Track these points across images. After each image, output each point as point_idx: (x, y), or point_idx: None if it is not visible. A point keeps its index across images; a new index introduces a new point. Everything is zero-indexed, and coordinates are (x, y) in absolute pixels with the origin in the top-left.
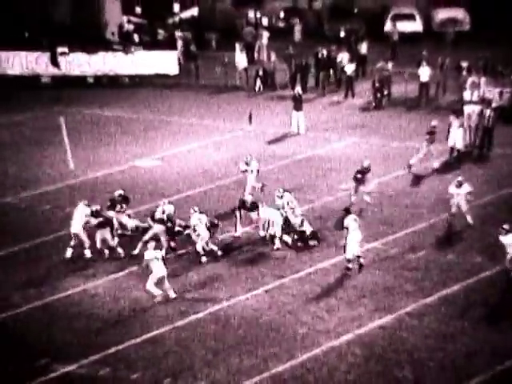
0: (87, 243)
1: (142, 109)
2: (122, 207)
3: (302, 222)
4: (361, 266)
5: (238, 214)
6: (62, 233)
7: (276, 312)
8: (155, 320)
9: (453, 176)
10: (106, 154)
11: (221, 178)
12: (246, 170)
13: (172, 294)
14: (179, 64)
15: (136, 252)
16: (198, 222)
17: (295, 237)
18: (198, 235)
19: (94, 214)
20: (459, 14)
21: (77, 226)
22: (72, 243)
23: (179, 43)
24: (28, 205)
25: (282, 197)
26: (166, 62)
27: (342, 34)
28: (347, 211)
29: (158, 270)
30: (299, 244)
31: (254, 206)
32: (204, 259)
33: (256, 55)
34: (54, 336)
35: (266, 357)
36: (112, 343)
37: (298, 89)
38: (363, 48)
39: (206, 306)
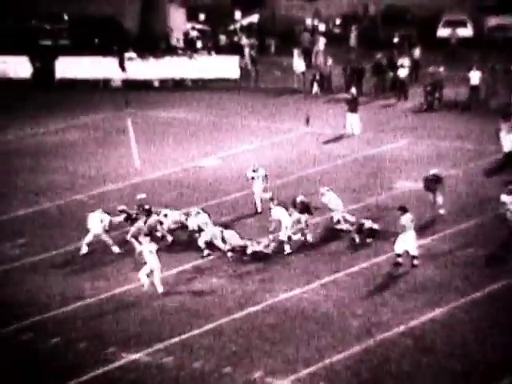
0: (110, 241)
1: (204, 111)
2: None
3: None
4: (414, 265)
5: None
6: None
7: (331, 305)
8: (216, 311)
9: (502, 177)
10: (170, 154)
11: (279, 178)
12: (253, 178)
13: (160, 289)
14: (245, 69)
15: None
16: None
17: (356, 235)
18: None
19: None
20: (509, 21)
21: (97, 229)
22: (88, 241)
23: (246, 50)
24: (95, 202)
25: (323, 194)
26: (227, 67)
27: (396, 40)
28: (403, 210)
29: (152, 262)
30: (359, 240)
31: (304, 208)
32: (269, 250)
33: (313, 60)
34: (121, 326)
35: (320, 347)
36: (175, 333)
37: (353, 91)
38: (416, 53)
39: (264, 299)
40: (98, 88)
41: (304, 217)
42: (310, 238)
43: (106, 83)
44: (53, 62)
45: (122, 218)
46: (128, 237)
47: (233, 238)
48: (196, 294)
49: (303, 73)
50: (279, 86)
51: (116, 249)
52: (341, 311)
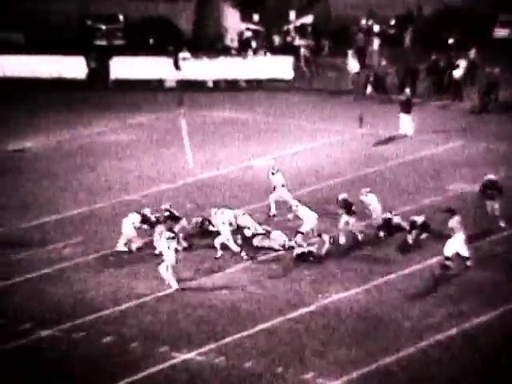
0: (140, 241)
1: (257, 111)
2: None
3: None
4: (467, 267)
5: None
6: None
7: (384, 306)
8: (268, 312)
9: None
10: (223, 154)
11: (332, 178)
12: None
13: (174, 285)
14: (299, 70)
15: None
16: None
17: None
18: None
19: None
20: None
21: (129, 231)
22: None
23: (300, 50)
24: (149, 201)
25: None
26: (281, 67)
27: (452, 40)
28: (452, 212)
29: (169, 258)
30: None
31: (346, 206)
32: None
33: (367, 60)
34: (173, 325)
35: (373, 349)
36: (228, 333)
37: (407, 91)
38: (472, 53)
39: (315, 300)
40: (153, 88)
41: (352, 218)
42: (360, 237)
43: (160, 83)
44: (108, 63)
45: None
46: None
47: (279, 238)
48: (248, 295)
49: (357, 73)
50: (333, 86)
51: (134, 246)
52: (393, 313)
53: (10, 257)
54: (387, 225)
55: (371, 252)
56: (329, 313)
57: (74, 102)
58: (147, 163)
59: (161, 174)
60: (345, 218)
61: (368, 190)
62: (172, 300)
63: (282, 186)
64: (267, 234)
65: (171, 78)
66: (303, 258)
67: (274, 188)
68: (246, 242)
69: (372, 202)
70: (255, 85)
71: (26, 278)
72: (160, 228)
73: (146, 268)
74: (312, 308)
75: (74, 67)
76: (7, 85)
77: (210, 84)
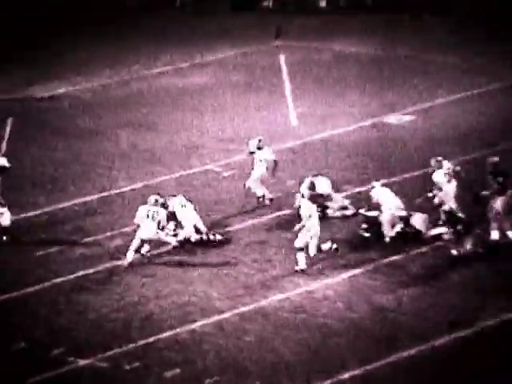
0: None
1: (390, 43)
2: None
3: None
4: None
5: None
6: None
7: None
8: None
9: None
10: (340, 106)
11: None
12: (253, 153)
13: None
14: None
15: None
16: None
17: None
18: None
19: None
20: None
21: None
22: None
23: None
24: (232, 174)
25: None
26: None
27: None
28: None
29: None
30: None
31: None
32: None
33: None
34: (267, 353)
35: None
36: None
37: None
38: None
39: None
40: (237, 9)
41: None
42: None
43: (251, 2)
44: None
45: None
46: None
47: (422, 223)
48: (378, 308)
49: None
50: None
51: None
52: None
53: (34, 253)
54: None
55: None
56: None
57: (125, 29)
58: (229, 118)
59: (249, 134)
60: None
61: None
62: (264, 316)
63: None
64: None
65: None
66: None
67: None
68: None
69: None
70: (389, 4)
71: (53, 284)
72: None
73: (228, 268)
74: None
75: None
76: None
77: (323, 3)
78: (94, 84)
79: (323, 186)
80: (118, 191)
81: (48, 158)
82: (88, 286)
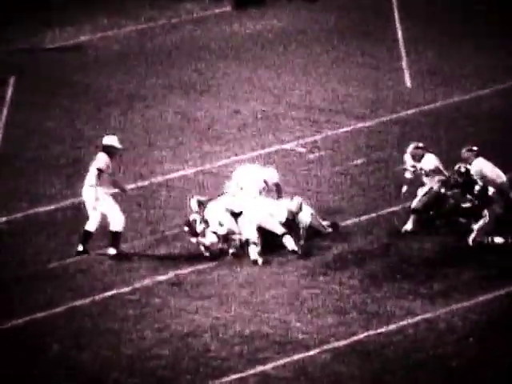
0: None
1: None
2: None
3: None
4: None
5: None
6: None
7: None
8: None
9: None
10: (469, 65)
11: None
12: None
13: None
14: None
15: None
16: None
17: None
18: None
19: None
20: None
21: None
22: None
23: None
24: (319, 157)
25: None
26: None
27: None
28: None
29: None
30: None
31: None
32: None
33: None
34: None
35: None
36: None
37: None
38: None
39: None
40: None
41: None
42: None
43: None
44: None
45: None
46: None
47: None
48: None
49: None
50: None
51: None
52: None
53: (45, 264)
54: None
55: None
56: None
57: None
58: (316, 78)
59: (342, 100)
60: None
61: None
62: (365, 355)
63: None
64: None
65: None
66: None
67: None
68: None
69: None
70: None
71: (70, 307)
72: None
73: (313, 287)
74: None
75: None
76: None
77: None
78: (128, 29)
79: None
80: (161, 179)
81: (66, 133)
82: (122, 310)
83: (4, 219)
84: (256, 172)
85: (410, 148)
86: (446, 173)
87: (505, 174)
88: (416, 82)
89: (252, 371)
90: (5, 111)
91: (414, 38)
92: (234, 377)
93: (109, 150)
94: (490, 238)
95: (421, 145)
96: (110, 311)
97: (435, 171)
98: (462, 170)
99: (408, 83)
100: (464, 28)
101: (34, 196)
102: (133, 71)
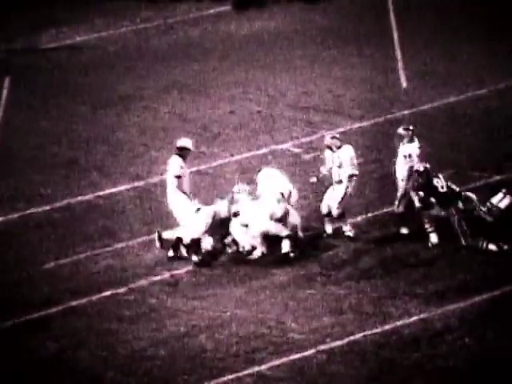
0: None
1: None
2: None
3: None
4: None
5: None
6: None
7: None
8: None
9: None
10: (467, 64)
11: None
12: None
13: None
14: None
15: None
16: None
17: None
18: None
19: None
20: None
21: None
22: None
23: None
24: (315, 157)
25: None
26: None
27: None
28: None
29: None
30: None
31: None
32: None
33: None
34: None
35: None
36: None
37: None
38: None
39: None
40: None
41: None
42: None
43: None
44: None
45: None
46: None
47: None
48: None
49: None
50: None
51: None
52: None
53: (41, 264)
54: None
55: None
56: None
57: None
58: (312, 78)
59: (339, 100)
60: None
61: None
62: (361, 355)
63: None
64: None
65: None
66: None
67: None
68: None
69: None
70: None
71: (68, 307)
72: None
73: (309, 287)
74: None
75: None
76: None
77: None
78: (124, 30)
79: None
80: (156, 179)
81: (62, 133)
82: (118, 310)
83: (0, 219)
84: (277, 181)
85: (327, 138)
86: (357, 168)
87: (503, 173)
88: (412, 82)
89: (248, 371)
90: (0, 112)
91: (409, 39)
92: (230, 377)
93: (183, 153)
94: (484, 244)
95: (337, 135)
96: (106, 311)
97: (350, 163)
98: (421, 169)
99: (404, 84)
100: (459, 29)
101: (30, 196)
102: (129, 72)
